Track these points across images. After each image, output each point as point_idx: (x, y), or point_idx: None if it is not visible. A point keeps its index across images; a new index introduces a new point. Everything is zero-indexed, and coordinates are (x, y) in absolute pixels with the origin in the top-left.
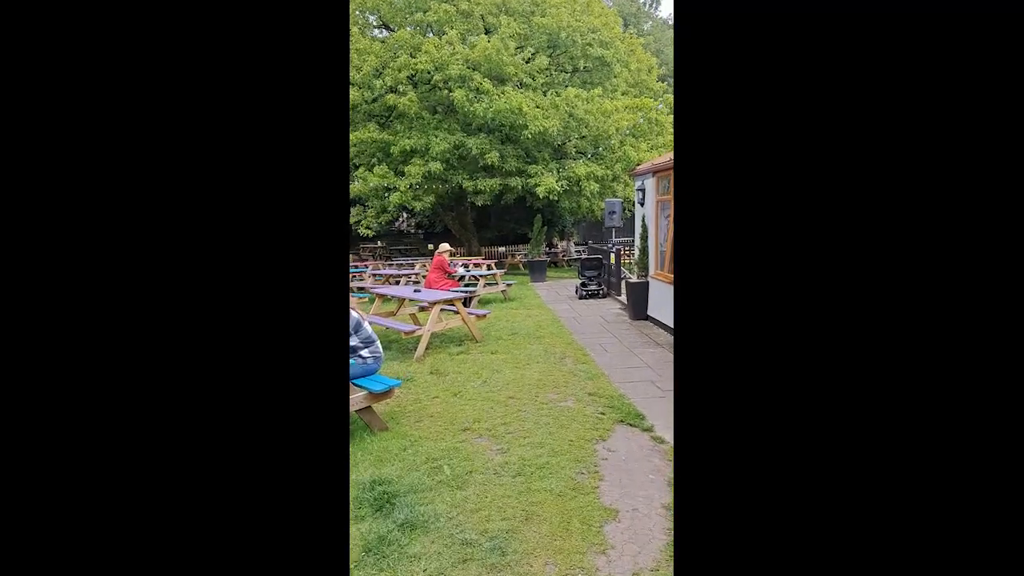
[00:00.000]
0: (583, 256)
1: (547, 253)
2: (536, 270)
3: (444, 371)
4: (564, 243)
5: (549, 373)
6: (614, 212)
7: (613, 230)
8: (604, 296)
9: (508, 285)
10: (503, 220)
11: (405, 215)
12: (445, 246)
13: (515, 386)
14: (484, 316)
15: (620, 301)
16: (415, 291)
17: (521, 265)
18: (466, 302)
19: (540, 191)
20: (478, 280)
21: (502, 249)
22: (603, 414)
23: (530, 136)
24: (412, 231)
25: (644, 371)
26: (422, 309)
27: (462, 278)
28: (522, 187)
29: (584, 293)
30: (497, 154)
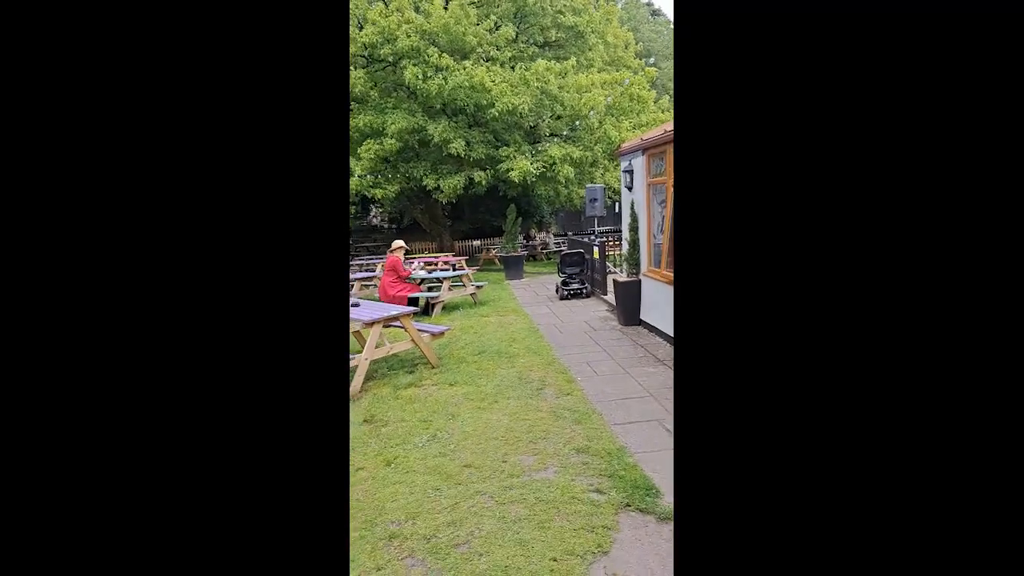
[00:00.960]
0: (563, 251)
1: (524, 246)
2: (512, 266)
3: (382, 418)
4: (543, 235)
5: (523, 415)
6: (595, 200)
7: (596, 219)
8: (588, 295)
9: (478, 287)
10: (477, 212)
11: (374, 208)
12: (398, 243)
13: (475, 443)
14: (442, 334)
15: (607, 301)
16: (352, 304)
17: (497, 260)
18: (427, 309)
19: (514, 175)
20: (441, 283)
21: (477, 243)
22: (600, 492)
23: (498, 115)
24: (385, 226)
25: (647, 403)
26: (369, 325)
27: (421, 281)
28: (490, 178)
29: (566, 293)
30: (463, 141)
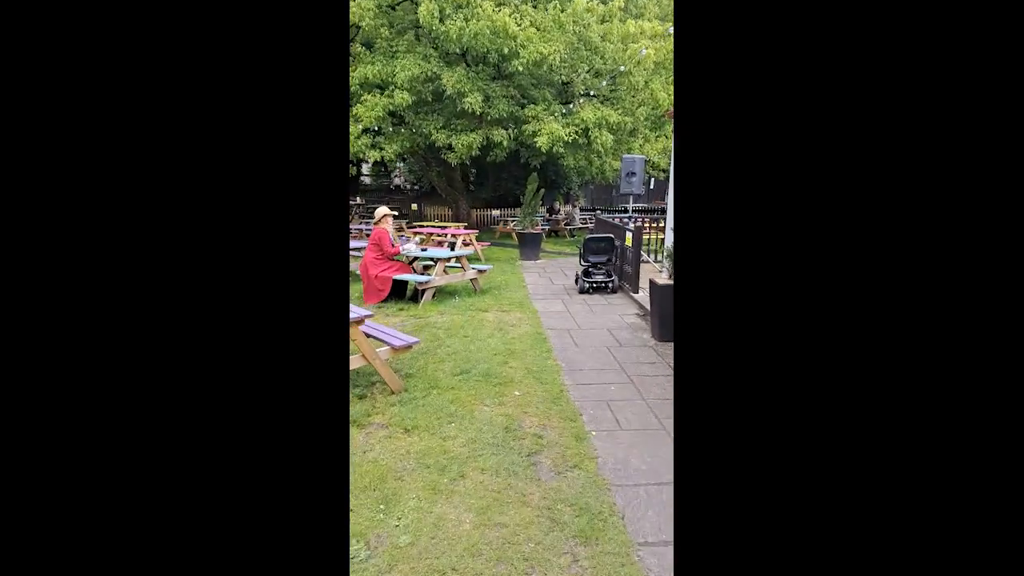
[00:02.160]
0: (588, 235)
1: (547, 220)
2: (528, 245)
3: None
4: (568, 208)
5: (499, 511)
6: (633, 174)
7: (631, 197)
8: (614, 291)
9: (479, 272)
10: (500, 178)
11: (400, 166)
12: (382, 211)
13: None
14: (408, 347)
15: (638, 302)
16: None
17: (514, 234)
18: (415, 296)
19: (542, 142)
20: (435, 263)
21: (497, 212)
22: None
23: (522, 67)
24: (407, 186)
25: None
26: None
27: (413, 260)
28: (512, 140)
29: (587, 285)
30: (480, 95)
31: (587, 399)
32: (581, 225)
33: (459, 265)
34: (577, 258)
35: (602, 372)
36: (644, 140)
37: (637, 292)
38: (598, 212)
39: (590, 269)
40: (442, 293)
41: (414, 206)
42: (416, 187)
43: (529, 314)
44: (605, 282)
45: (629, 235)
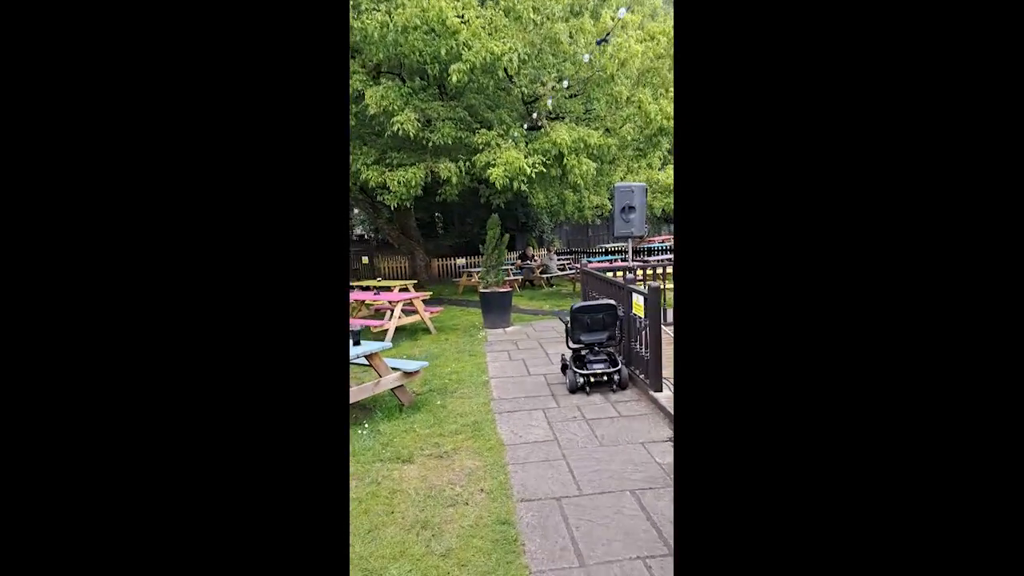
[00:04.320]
0: (577, 305)
1: (519, 268)
2: (494, 308)
3: None
4: (542, 253)
5: None
6: (631, 208)
7: (629, 236)
8: (623, 385)
9: (407, 375)
10: (465, 222)
11: (356, 212)
12: None
13: None
14: None
15: (665, 409)
16: None
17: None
18: None
19: (496, 175)
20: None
21: (462, 262)
22: None
23: (467, 75)
24: (368, 236)
25: None
26: None
27: None
28: (462, 174)
29: (581, 381)
30: (415, 115)
31: None
32: (560, 273)
33: (366, 363)
34: (564, 329)
35: None
36: (627, 170)
37: (660, 390)
38: (586, 261)
39: (584, 353)
40: (354, 409)
41: (365, 259)
42: (378, 236)
43: (487, 459)
44: (608, 374)
45: (639, 300)
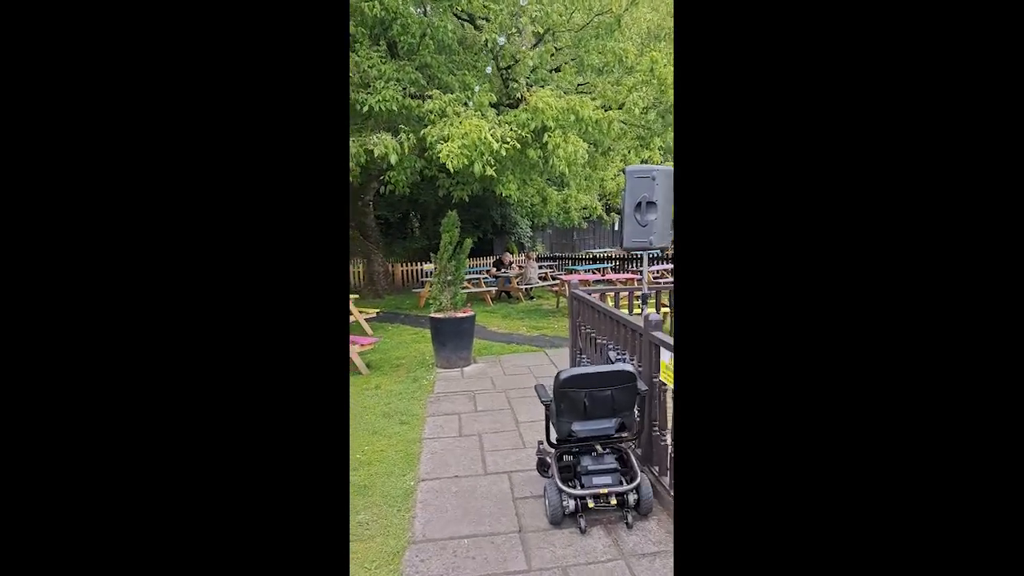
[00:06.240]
0: (566, 373)
1: (493, 276)
2: (448, 339)
3: None
4: (520, 259)
5: None
6: (651, 204)
7: (646, 250)
8: (644, 513)
9: None
10: (437, 222)
11: None
12: None
13: None
14: None
15: None
16: None
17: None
18: None
19: (448, 152)
20: None
21: (429, 267)
22: None
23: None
24: None
25: None
26: None
27: None
28: (407, 152)
29: (573, 505)
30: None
31: None
32: (540, 283)
33: None
34: (541, 352)
35: None
36: (624, 162)
37: None
38: (587, 293)
39: (577, 455)
40: None
41: None
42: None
43: None
44: (619, 493)
45: (666, 357)
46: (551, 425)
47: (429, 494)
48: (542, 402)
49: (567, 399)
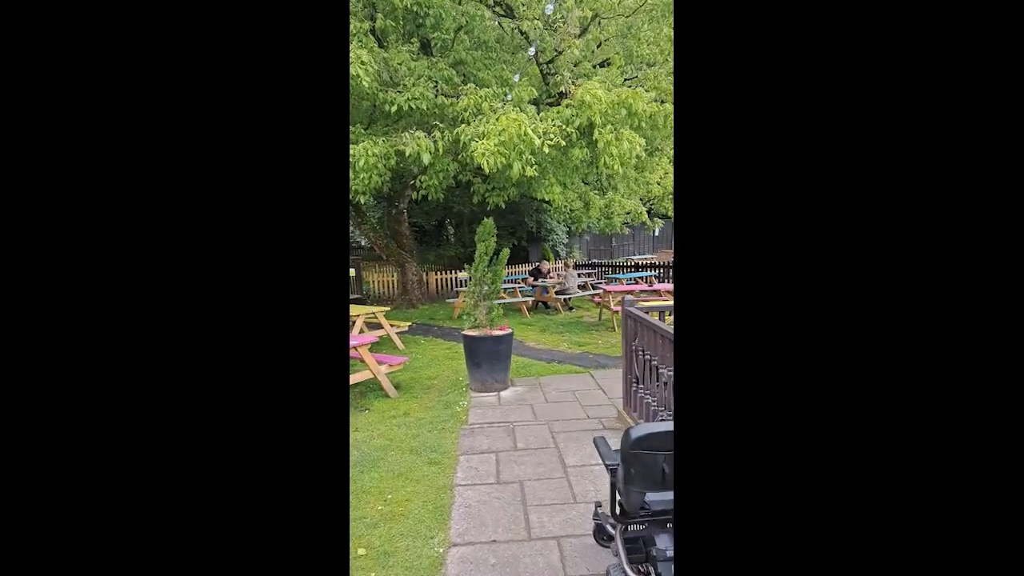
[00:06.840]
0: (638, 432)
1: (531, 286)
2: (483, 359)
3: None
4: (559, 268)
5: None
6: None
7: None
8: None
9: None
10: (472, 227)
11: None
12: None
13: None
14: None
15: None
16: None
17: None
18: None
19: (483, 150)
20: None
21: (464, 275)
22: None
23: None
24: (368, 245)
25: None
26: None
27: None
28: (446, 152)
29: None
30: (372, 62)
31: None
32: (580, 292)
33: None
34: (586, 373)
35: None
36: (670, 160)
37: None
38: (635, 298)
39: (650, 524)
40: None
41: (352, 272)
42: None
43: None
44: None
45: None
46: (617, 493)
47: (461, 566)
48: (605, 466)
49: (639, 463)
